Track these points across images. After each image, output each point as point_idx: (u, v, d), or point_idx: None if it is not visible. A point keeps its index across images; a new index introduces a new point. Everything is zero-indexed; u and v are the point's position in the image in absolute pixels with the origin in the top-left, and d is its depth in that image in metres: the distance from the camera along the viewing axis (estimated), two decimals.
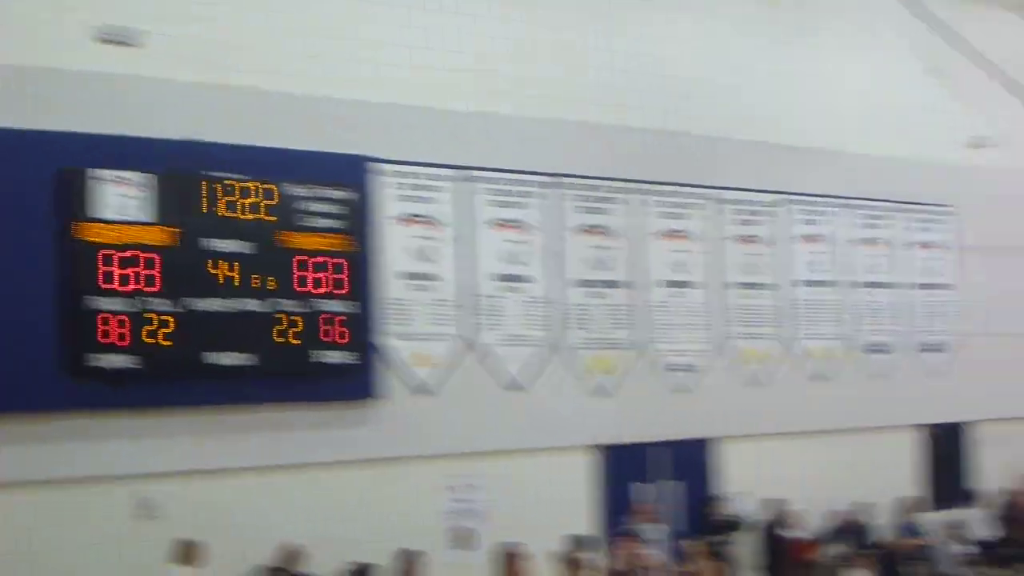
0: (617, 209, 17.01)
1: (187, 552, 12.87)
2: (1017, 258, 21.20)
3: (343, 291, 14.41)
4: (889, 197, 19.90)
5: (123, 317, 13.10)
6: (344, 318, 14.38)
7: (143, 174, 13.38)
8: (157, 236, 13.39)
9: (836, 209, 19.29)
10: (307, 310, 14.14)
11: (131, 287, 13.16)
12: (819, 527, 17.93)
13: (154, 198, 13.42)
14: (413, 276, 15.25)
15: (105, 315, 13.02)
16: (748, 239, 18.29)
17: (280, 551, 13.48)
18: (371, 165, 14.88)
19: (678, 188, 17.56)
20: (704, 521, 17.01)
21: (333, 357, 14.30)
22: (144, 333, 13.19)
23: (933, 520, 19.05)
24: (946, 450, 20.35)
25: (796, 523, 17.44)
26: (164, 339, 13.29)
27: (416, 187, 15.36)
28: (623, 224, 17.06)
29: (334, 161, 14.50)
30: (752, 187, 18.34)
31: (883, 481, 18.83)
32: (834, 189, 19.22)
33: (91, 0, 13.52)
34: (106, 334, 13.01)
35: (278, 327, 13.97)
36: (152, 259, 13.31)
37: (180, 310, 13.40)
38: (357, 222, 14.66)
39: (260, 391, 13.87)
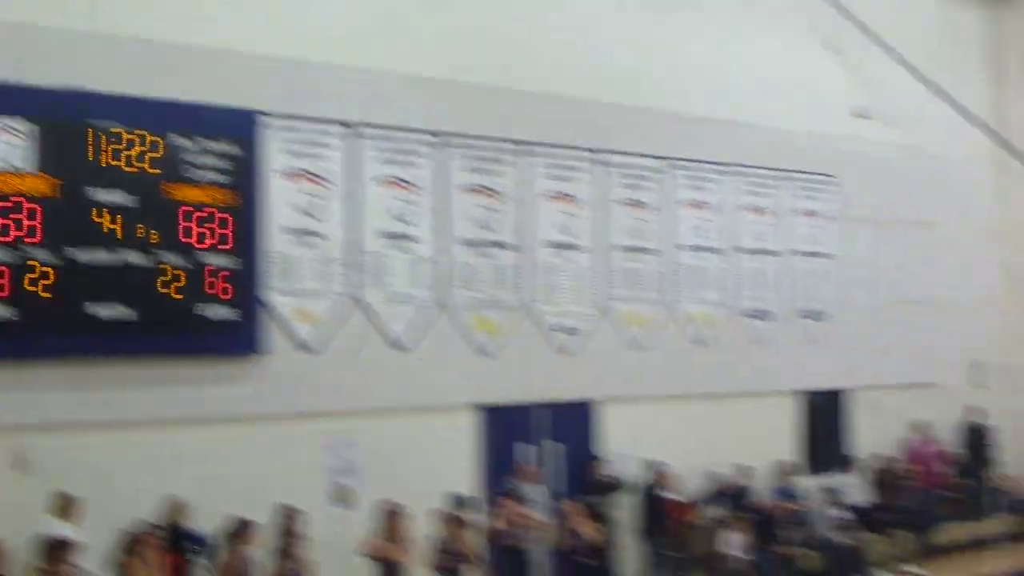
0: (505, 170, 17.25)
1: (65, 506, 12.95)
2: (897, 230, 21.95)
3: (227, 245, 14.48)
4: (775, 166, 20.39)
5: (2, 268, 13.08)
6: (228, 273, 14.47)
7: (26, 122, 13.34)
8: (39, 185, 13.37)
9: (722, 176, 19.73)
10: (191, 264, 14.20)
11: (11, 236, 13.15)
12: (697, 490, 18.44)
13: (37, 147, 13.40)
14: (299, 232, 15.35)
15: None
16: (634, 203, 18.64)
17: (163, 506, 13.63)
18: (258, 119, 14.93)
19: (566, 151, 17.87)
20: (584, 482, 17.36)
21: (216, 312, 14.39)
22: (24, 283, 13.17)
23: (809, 485, 19.69)
24: (823, 416, 20.98)
25: (675, 485, 17.86)
26: (44, 290, 13.30)
27: (303, 142, 15.45)
28: (511, 185, 17.31)
29: (221, 114, 14.53)
30: (640, 152, 18.69)
31: (761, 445, 19.39)
32: (721, 156, 19.66)
33: None
34: None
35: (161, 280, 14.01)
36: (34, 209, 13.29)
37: (61, 261, 13.41)
38: (243, 176, 14.71)
39: (141, 345, 13.92)
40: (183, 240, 14.20)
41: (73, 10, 13.88)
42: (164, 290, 14.05)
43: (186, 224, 14.23)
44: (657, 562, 17.60)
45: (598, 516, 16.66)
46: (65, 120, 13.61)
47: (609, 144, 18.33)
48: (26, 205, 13.29)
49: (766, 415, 19.98)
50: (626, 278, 18.48)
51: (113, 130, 13.86)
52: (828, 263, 21.18)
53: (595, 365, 17.97)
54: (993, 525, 21.76)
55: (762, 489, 19.04)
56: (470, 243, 16.89)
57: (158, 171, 14.10)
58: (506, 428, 16.98)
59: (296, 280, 15.32)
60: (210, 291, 14.36)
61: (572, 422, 17.69)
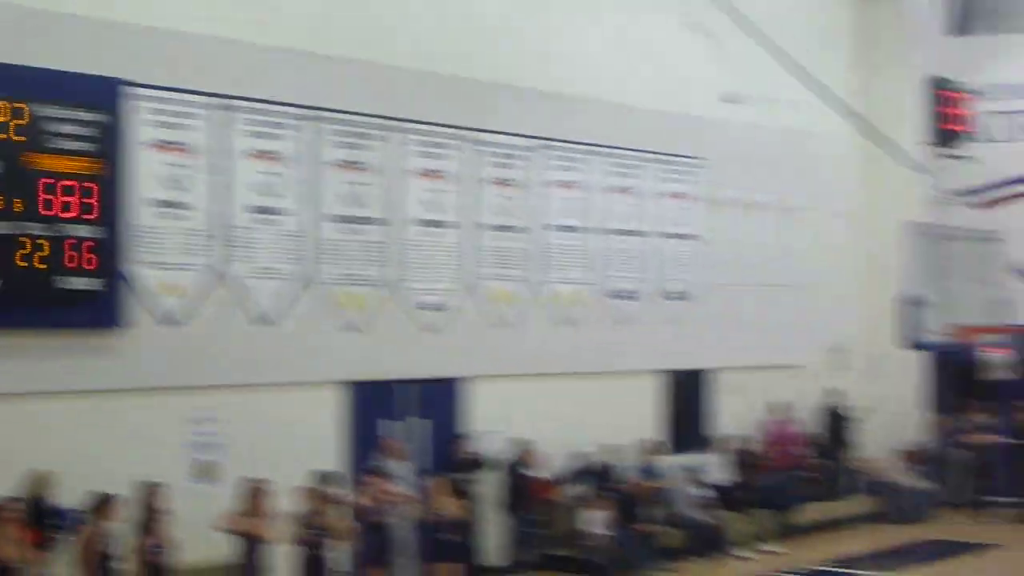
0: (375, 146, 17.40)
1: None
2: (763, 213, 22.61)
3: (91, 216, 14.40)
4: (643, 147, 20.83)
5: None
6: (92, 244, 14.40)
7: None
8: None
9: (591, 157, 20.12)
10: (53, 234, 14.11)
11: None
12: (562, 468, 18.86)
13: None
14: (164, 204, 15.29)
15: None
16: (503, 182, 18.97)
17: (25, 480, 13.57)
18: (125, 89, 14.85)
19: (437, 128, 18.07)
20: (449, 459, 17.63)
21: (79, 283, 14.31)
22: None
23: (671, 463, 20.17)
24: (686, 396, 21.54)
25: (539, 463, 18.26)
26: None
27: (171, 113, 15.41)
28: (380, 161, 17.47)
29: (87, 83, 14.41)
30: (510, 131, 18.97)
31: (625, 424, 19.84)
32: (590, 137, 20.03)
33: None
34: None
35: (22, 251, 13.88)
36: None
37: None
38: (108, 146, 14.63)
39: (2, 316, 13.80)
40: (45, 211, 14.08)
41: None
42: (25, 262, 13.90)
43: (48, 195, 14.10)
44: (520, 539, 17.99)
45: (462, 493, 16.93)
46: None
47: (479, 122, 18.57)
48: None
49: (631, 394, 20.46)
50: (494, 256, 18.79)
51: None
52: (694, 244, 21.69)
53: (462, 343, 18.23)
54: (850, 505, 22.62)
55: (626, 467, 19.45)
56: (339, 218, 17.01)
57: (21, 139, 13.94)
58: (372, 404, 17.14)
59: (161, 253, 15.26)
60: (73, 263, 14.25)
61: (438, 399, 17.94)
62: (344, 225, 17.08)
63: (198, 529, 14.27)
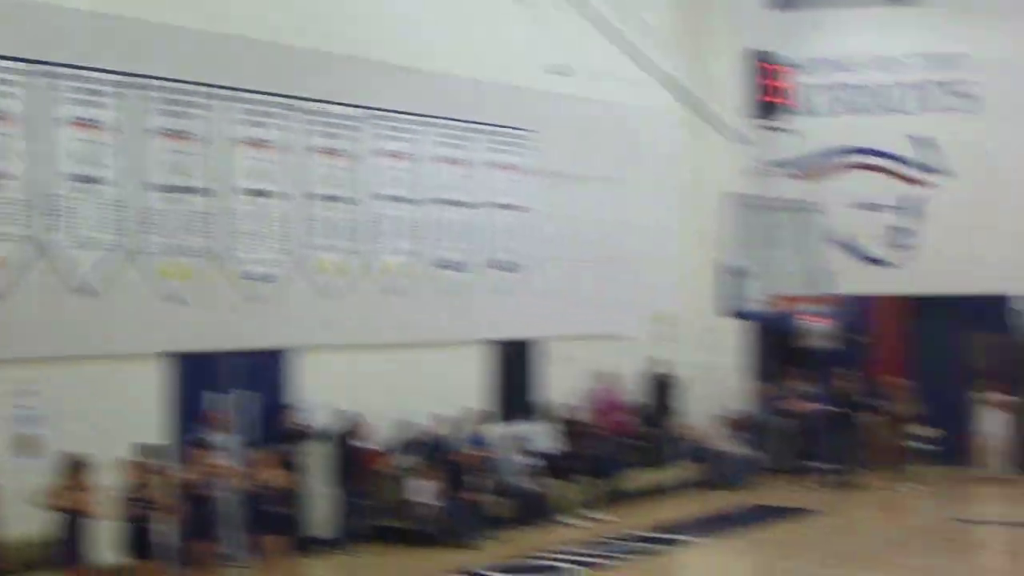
0: (199, 114, 17.30)
1: None
2: (591, 185, 22.98)
3: None
4: (473, 118, 21.04)
5: None
6: None
7: None
8: None
9: (419, 127, 20.26)
10: None
11: None
12: (390, 438, 19.10)
13: None
14: None
15: None
16: (331, 152, 19.02)
17: None
18: None
19: (263, 96, 18.04)
20: (276, 430, 17.70)
21: None
22: None
23: (499, 433, 20.58)
24: (514, 366, 21.86)
25: (367, 434, 18.43)
26: None
27: None
28: (205, 130, 17.37)
29: None
30: (338, 100, 19.03)
31: (453, 394, 20.12)
32: (418, 107, 20.16)
33: None
34: None
35: None
36: None
37: None
38: None
39: None
40: None
41: None
42: None
43: None
44: (349, 510, 18.15)
45: (289, 464, 17.05)
46: None
47: (307, 91, 18.60)
48: None
49: (459, 364, 20.75)
50: (322, 226, 18.84)
51: None
52: (523, 216, 21.99)
53: (289, 313, 18.25)
54: (675, 473, 23.21)
55: (454, 437, 19.72)
56: (162, 188, 16.88)
57: None
58: (197, 376, 17.06)
59: None
60: None
61: (265, 370, 17.95)
62: (168, 194, 16.95)
63: (20, 505, 14.14)
